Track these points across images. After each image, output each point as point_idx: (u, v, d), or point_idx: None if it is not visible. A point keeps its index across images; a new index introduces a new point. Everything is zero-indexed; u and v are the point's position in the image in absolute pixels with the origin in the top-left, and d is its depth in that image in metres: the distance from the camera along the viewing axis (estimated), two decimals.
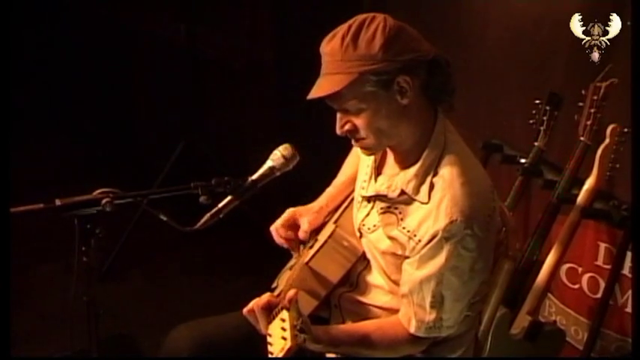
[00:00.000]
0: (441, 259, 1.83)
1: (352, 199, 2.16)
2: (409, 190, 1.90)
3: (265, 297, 1.87)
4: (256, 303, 1.86)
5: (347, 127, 1.88)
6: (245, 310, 1.88)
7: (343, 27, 1.82)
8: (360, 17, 1.83)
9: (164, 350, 2.16)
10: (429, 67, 1.85)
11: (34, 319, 3.35)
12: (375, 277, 2.03)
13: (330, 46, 1.81)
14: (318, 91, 1.82)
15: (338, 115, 1.89)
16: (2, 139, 2.05)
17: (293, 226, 2.19)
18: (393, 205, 1.94)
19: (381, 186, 1.97)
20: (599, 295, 2.71)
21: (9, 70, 2.38)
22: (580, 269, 2.78)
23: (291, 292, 1.78)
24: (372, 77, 1.79)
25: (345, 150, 2.30)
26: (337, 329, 1.97)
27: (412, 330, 1.92)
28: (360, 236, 2.05)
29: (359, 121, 1.86)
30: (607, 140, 2.51)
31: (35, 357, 3.12)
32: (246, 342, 2.10)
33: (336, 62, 1.80)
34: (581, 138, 2.53)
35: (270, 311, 1.84)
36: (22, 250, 3.67)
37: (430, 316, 1.89)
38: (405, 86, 1.81)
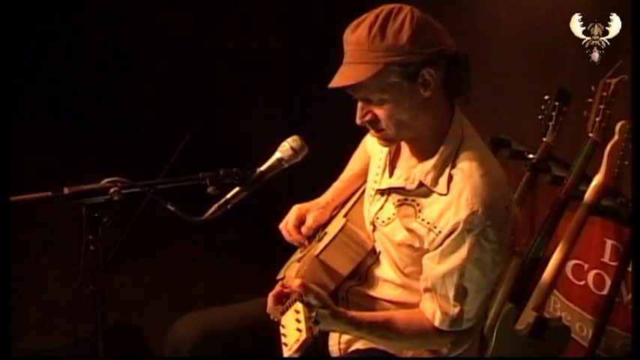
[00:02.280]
0: (463, 252, 1.83)
1: (362, 193, 2.15)
2: (427, 181, 1.89)
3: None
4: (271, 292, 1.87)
5: (368, 117, 1.87)
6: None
7: (370, 16, 1.80)
8: (386, 7, 1.81)
9: (169, 340, 2.16)
10: (449, 61, 1.84)
11: (40, 308, 3.36)
12: (385, 271, 2.03)
13: (355, 35, 1.79)
14: (341, 79, 1.80)
15: (359, 105, 1.87)
16: (2, 129, 2.03)
17: (301, 223, 2.19)
18: (410, 197, 1.93)
19: (398, 179, 1.97)
20: (604, 292, 2.70)
21: (9, 63, 2.37)
22: (586, 266, 2.78)
23: (297, 282, 1.78)
24: (397, 68, 1.78)
25: (354, 142, 2.29)
26: (359, 313, 1.94)
27: (437, 323, 1.91)
28: (374, 230, 2.04)
29: (380, 112, 1.84)
30: (616, 137, 2.50)
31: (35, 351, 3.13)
32: (251, 333, 2.10)
33: (361, 51, 1.78)
34: (590, 134, 2.52)
35: (280, 299, 1.83)
36: (28, 238, 3.70)
37: (455, 309, 1.89)
38: (429, 79, 1.81)
